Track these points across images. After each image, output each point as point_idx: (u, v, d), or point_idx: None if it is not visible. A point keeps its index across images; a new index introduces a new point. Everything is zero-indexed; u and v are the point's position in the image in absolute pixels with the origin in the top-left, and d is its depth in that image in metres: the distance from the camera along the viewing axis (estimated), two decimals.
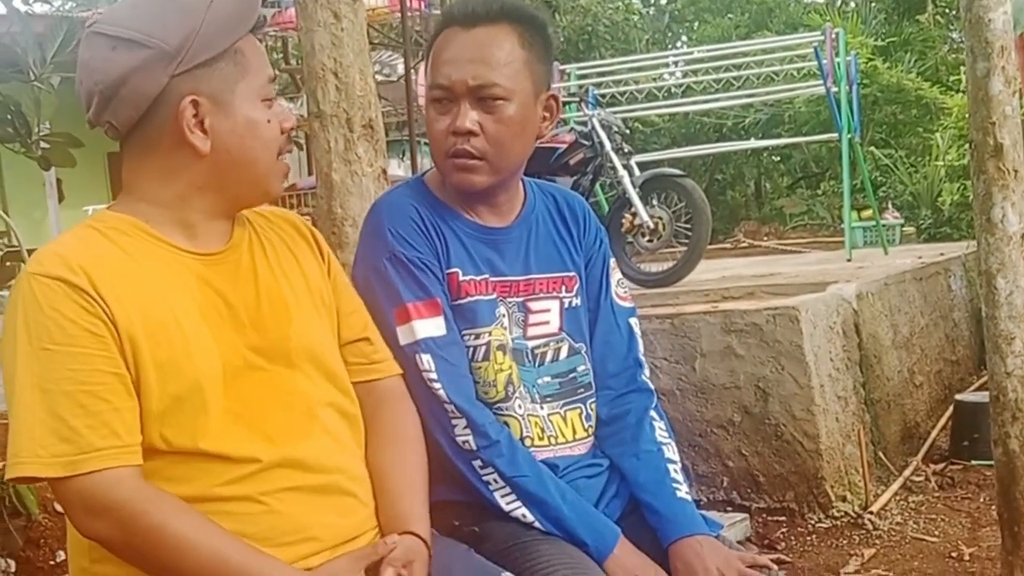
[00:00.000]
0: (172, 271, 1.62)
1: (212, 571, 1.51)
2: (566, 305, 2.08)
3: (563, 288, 2.08)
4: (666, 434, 2.07)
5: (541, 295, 2.06)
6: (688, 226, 5.80)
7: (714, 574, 1.87)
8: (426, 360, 1.89)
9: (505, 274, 2.02)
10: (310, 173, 5.84)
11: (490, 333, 1.98)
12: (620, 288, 2.15)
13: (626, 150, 5.93)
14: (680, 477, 2.02)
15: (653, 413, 2.08)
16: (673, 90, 9.40)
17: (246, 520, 1.57)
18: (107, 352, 1.53)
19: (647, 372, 2.13)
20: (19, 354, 1.52)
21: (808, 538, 3.93)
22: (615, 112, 7.06)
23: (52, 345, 1.51)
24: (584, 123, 6.00)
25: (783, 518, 4.06)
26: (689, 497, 2.00)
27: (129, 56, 1.59)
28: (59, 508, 2.93)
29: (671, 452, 2.05)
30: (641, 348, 2.14)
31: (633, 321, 2.14)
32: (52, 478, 1.51)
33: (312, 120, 2.82)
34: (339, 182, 2.79)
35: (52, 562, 2.83)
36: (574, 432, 2.04)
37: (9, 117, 2.96)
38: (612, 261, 2.18)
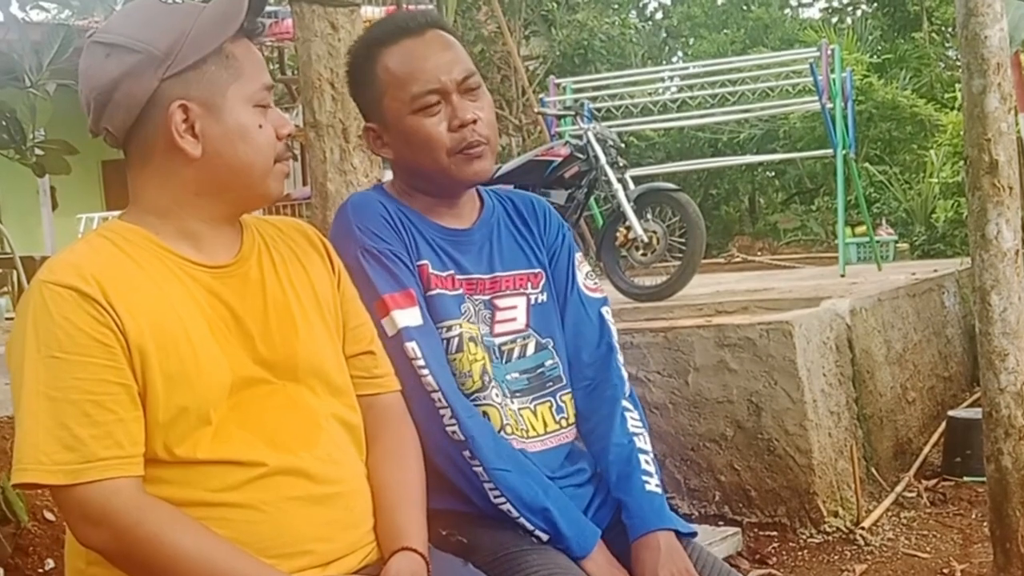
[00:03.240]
0: (181, 283, 1.62)
1: None
2: (532, 302, 2.09)
3: (529, 285, 2.09)
4: (639, 424, 2.07)
5: (507, 292, 2.07)
6: (682, 240, 5.81)
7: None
8: (411, 348, 1.89)
9: (471, 272, 2.04)
10: (305, 183, 5.83)
11: (460, 325, 1.98)
12: (589, 280, 2.16)
13: (621, 164, 5.93)
14: (651, 468, 2.02)
15: (626, 403, 2.08)
16: (668, 105, 9.42)
17: (244, 528, 1.57)
18: (115, 362, 1.52)
19: (621, 358, 2.13)
20: (27, 361, 1.52)
21: (800, 553, 3.92)
22: (610, 126, 7.05)
23: (60, 353, 1.51)
24: (579, 136, 6.00)
25: (775, 533, 4.05)
26: (659, 489, 2.00)
27: (120, 61, 1.60)
28: (48, 516, 2.92)
29: (643, 442, 2.04)
30: (615, 335, 2.14)
31: (605, 310, 2.15)
32: (53, 486, 1.51)
33: (308, 130, 2.82)
34: (334, 192, 2.79)
35: (41, 570, 2.81)
36: (545, 425, 2.04)
37: (4, 123, 2.96)
38: (578, 255, 2.18)
